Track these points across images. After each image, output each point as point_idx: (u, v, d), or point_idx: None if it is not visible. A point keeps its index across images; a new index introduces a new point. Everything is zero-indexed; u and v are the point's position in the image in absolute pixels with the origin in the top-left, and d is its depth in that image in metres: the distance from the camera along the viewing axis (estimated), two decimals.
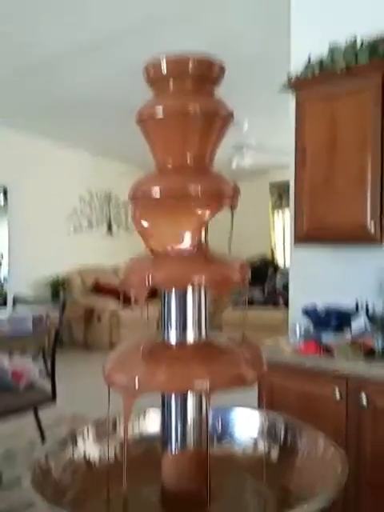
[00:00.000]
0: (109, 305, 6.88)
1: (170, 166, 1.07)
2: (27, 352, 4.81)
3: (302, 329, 2.78)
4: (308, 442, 1.20)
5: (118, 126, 3.15)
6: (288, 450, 1.22)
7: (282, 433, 1.26)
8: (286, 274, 7.15)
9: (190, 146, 1.05)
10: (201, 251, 1.07)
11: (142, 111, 1.07)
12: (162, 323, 1.09)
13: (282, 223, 8.75)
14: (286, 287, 6.89)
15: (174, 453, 1.06)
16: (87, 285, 7.29)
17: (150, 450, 1.25)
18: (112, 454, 1.23)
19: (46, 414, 3.56)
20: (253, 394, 2.09)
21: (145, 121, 1.06)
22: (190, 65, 1.04)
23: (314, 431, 1.21)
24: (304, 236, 2.84)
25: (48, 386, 3.50)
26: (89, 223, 7.63)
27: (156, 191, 1.02)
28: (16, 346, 2.91)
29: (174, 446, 1.08)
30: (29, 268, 6.71)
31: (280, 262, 8.83)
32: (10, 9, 3.79)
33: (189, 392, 1.05)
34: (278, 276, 8.21)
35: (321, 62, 2.84)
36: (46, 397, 3.44)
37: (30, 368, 3.62)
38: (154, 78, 1.07)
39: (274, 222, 8.97)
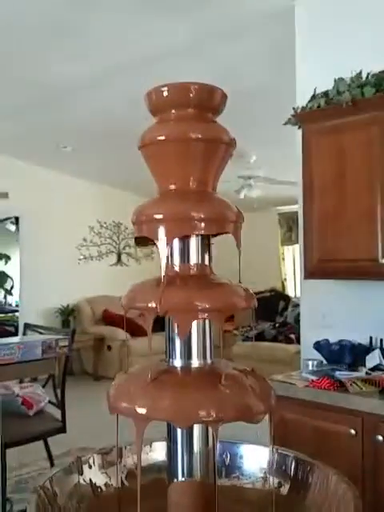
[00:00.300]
0: (118, 334, 6.88)
1: (172, 191, 1.09)
2: (37, 378, 4.82)
3: (315, 364, 2.75)
4: (319, 477, 1.18)
5: (127, 157, 3.23)
6: (298, 486, 1.21)
7: (292, 469, 1.24)
8: (297, 306, 7.09)
9: (193, 172, 1.07)
10: (205, 274, 1.09)
11: (143, 136, 1.09)
12: (167, 350, 1.10)
13: (292, 255, 8.71)
14: (297, 320, 6.83)
15: (180, 484, 1.05)
16: (97, 314, 7.31)
17: (156, 480, 1.24)
18: (119, 483, 1.23)
19: (55, 443, 3.54)
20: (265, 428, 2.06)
21: (146, 146, 1.08)
22: (192, 92, 1.06)
23: (325, 467, 1.19)
24: (314, 269, 2.82)
25: (58, 415, 3.50)
26: (98, 253, 7.69)
27: (159, 216, 1.04)
28: (25, 371, 2.91)
29: (180, 476, 1.07)
30: (39, 296, 6.77)
31: (291, 294, 8.72)
32: (18, 45, 3.91)
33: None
34: (290, 309, 8.13)
35: (326, 95, 2.86)
36: (56, 425, 3.43)
37: (41, 396, 3.63)
38: (156, 105, 1.09)
39: (284, 253, 8.93)
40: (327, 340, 2.87)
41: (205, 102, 1.09)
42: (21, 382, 3.88)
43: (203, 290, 1.04)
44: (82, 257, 7.41)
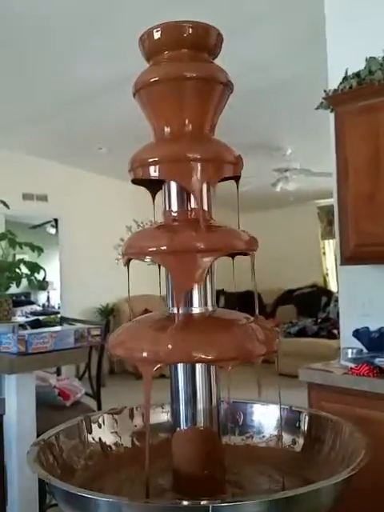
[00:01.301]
0: None
1: (167, 134, 1.06)
2: (71, 368, 4.86)
3: (354, 352, 2.68)
4: (333, 432, 1.13)
5: None
6: (312, 442, 1.16)
7: (306, 425, 1.19)
8: None
9: (188, 113, 1.04)
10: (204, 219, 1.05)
11: (137, 81, 1.06)
12: (168, 298, 1.08)
13: (334, 249, 8.55)
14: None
15: (183, 432, 1.02)
16: (137, 313, 7.31)
17: (168, 440, 1.21)
18: (128, 444, 1.21)
19: None
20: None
21: (140, 91, 1.05)
22: (186, 31, 1.03)
23: (339, 421, 1.14)
24: (350, 255, 2.75)
25: (94, 407, 3.51)
26: None
27: (153, 159, 1.01)
28: (58, 360, 2.94)
29: (183, 425, 1.04)
30: (79, 297, 6.86)
31: (334, 289, 8.56)
32: (52, 46, 3.98)
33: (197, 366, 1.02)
34: (332, 304, 7.98)
35: (358, 75, 2.82)
36: None
37: (77, 387, 3.66)
38: (149, 49, 1.06)
39: (324, 248, 8.76)
40: (367, 328, 2.79)
41: (200, 42, 1.06)
42: (58, 374, 3.92)
43: (201, 233, 1.01)
44: (119, 257, 7.46)
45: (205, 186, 1.06)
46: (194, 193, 1.02)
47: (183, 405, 1.03)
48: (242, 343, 0.94)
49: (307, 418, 1.19)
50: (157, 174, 1.03)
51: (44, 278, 3.42)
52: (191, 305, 1.04)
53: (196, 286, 1.04)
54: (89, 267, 6.92)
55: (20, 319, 8.47)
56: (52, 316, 8.49)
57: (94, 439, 1.19)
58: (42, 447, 1.05)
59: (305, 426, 1.18)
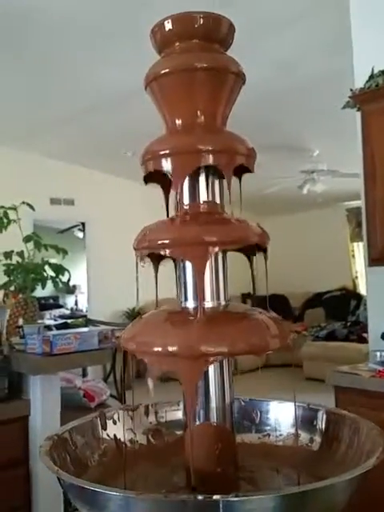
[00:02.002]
0: None
1: (179, 126, 1.04)
2: (97, 369, 4.88)
3: (383, 354, 2.64)
4: (350, 430, 1.10)
5: None
6: (330, 441, 1.13)
7: (323, 423, 1.16)
8: None
9: (200, 105, 1.02)
10: (216, 212, 1.04)
11: (148, 74, 1.05)
12: (179, 292, 1.06)
13: (363, 251, 8.40)
14: None
15: (195, 427, 1.01)
16: None
17: (180, 439, 1.20)
18: (143, 441, 1.20)
19: None
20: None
21: (151, 83, 1.04)
22: (197, 22, 1.02)
23: (356, 418, 1.11)
24: (378, 256, 2.73)
25: None
26: None
27: (165, 151, 1.00)
28: (83, 360, 2.95)
29: (196, 421, 1.02)
30: (106, 300, 6.91)
31: (363, 293, 8.43)
32: (77, 50, 4.03)
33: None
34: (362, 308, 7.85)
35: None
36: None
37: (102, 389, 3.67)
38: (160, 41, 1.05)
39: (354, 250, 8.63)
40: None
41: (211, 33, 1.05)
42: (83, 375, 3.95)
43: (213, 225, 0.99)
44: (146, 261, 7.48)
45: (217, 180, 1.05)
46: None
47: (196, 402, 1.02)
48: (255, 337, 0.92)
49: (324, 416, 1.16)
50: (169, 166, 1.02)
51: (69, 280, 3.44)
52: (203, 299, 1.03)
53: (208, 280, 1.03)
54: (115, 271, 6.96)
55: (48, 322, 8.60)
56: (80, 319, 8.59)
57: (108, 436, 1.18)
58: (56, 442, 1.05)
59: (322, 424, 1.15)
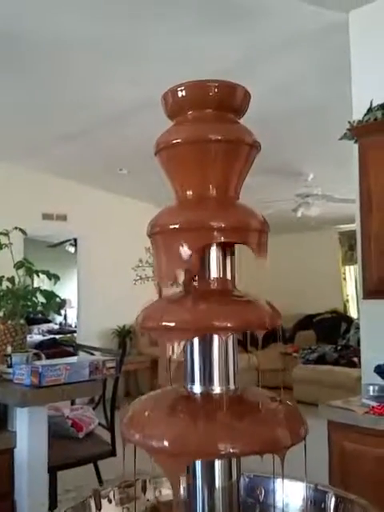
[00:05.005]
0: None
1: (189, 198, 1.00)
2: (86, 400, 4.80)
3: (376, 389, 2.61)
4: None
5: None
6: None
7: (332, 506, 1.11)
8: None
9: (212, 177, 0.98)
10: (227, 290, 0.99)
11: (158, 141, 1.01)
12: (186, 374, 1.00)
13: (354, 274, 8.42)
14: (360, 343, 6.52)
15: None
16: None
17: None
18: None
19: (106, 467, 3.46)
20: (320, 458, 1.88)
21: (161, 151, 1.00)
22: (211, 90, 0.98)
23: (365, 504, 1.05)
24: (374, 288, 2.71)
25: (108, 438, 3.44)
26: (154, 273, 7.70)
27: (174, 226, 0.95)
28: (72, 393, 2.88)
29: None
30: (97, 317, 6.83)
31: (354, 315, 8.41)
32: (73, 69, 3.98)
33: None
34: (352, 331, 7.82)
35: (383, 107, 2.78)
36: (105, 449, 3.38)
37: (91, 418, 3.59)
38: (172, 107, 1.01)
39: (345, 273, 8.63)
40: None
41: (225, 102, 1.00)
42: (72, 403, 3.86)
43: (223, 306, 0.94)
44: (137, 278, 7.43)
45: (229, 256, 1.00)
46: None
47: (200, 495, 0.96)
48: (268, 433, 0.87)
49: (333, 498, 1.10)
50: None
51: (59, 308, 3.38)
52: (211, 383, 0.97)
53: (216, 363, 0.97)
54: (106, 288, 6.88)
55: (36, 337, 8.48)
56: (68, 335, 8.48)
57: None
58: None
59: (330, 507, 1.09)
